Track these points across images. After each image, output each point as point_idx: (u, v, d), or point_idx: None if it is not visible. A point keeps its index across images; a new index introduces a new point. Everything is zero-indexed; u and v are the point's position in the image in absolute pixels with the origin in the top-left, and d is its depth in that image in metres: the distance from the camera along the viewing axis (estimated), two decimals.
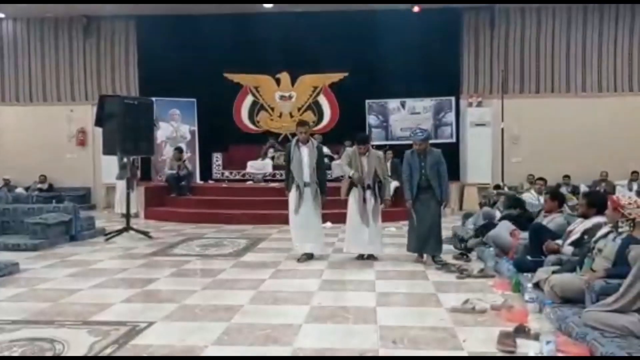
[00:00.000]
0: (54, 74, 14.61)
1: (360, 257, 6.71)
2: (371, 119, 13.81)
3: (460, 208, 12.68)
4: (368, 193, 6.54)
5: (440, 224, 6.57)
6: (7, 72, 14.70)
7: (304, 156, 6.54)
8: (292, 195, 6.60)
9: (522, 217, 6.77)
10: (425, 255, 6.52)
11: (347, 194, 6.63)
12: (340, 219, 9.90)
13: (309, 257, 6.65)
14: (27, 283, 5.56)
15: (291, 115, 14.15)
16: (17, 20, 14.58)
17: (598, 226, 4.76)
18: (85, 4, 13.02)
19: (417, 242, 6.51)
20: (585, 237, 4.88)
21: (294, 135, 13.72)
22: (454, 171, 13.42)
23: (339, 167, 6.68)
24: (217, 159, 13.51)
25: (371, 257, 6.69)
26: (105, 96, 9.30)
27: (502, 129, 12.90)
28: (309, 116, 14.07)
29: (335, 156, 12.84)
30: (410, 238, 6.59)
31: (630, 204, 4.17)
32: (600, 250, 4.22)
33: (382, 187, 6.58)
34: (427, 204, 6.40)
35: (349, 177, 6.57)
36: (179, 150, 12.45)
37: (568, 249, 5.03)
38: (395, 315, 4.38)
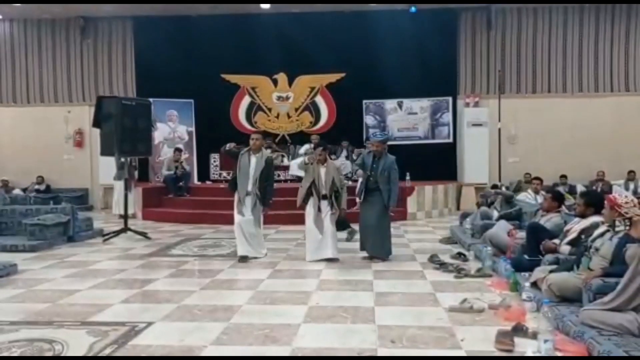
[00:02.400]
0: (51, 75, 14.58)
1: (321, 260, 6.68)
2: (368, 119, 13.83)
3: (458, 208, 12.70)
4: (324, 203, 6.63)
5: (385, 228, 6.69)
6: (4, 73, 14.66)
7: (252, 167, 6.65)
8: (236, 200, 6.74)
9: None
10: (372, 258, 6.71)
11: (304, 202, 6.70)
12: None
13: (244, 259, 6.68)
14: (26, 284, 5.56)
15: (289, 116, 14.16)
16: (14, 22, 14.54)
17: (595, 225, 4.78)
18: (82, 5, 12.98)
19: (364, 243, 6.73)
20: (583, 236, 4.90)
21: (291, 135, 13.96)
22: (451, 171, 13.49)
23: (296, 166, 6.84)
24: (215, 159, 13.49)
25: (333, 260, 6.71)
26: (102, 97, 9.29)
27: (499, 129, 12.92)
28: (307, 117, 14.08)
29: (333, 157, 12.85)
30: (360, 236, 6.81)
31: (627, 202, 4.20)
32: (597, 250, 4.25)
33: (338, 197, 6.67)
34: (373, 206, 6.63)
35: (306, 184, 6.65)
36: (178, 150, 12.46)
37: (565, 248, 5.05)
38: (393, 314, 4.40)
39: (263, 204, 6.76)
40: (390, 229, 6.83)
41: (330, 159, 7.00)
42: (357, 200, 6.72)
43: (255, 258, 6.77)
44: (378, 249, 6.67)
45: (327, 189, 6.62)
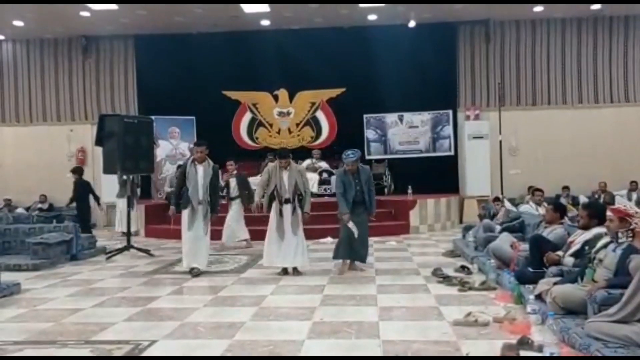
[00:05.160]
0: (54, 94, 14.69)
1: (284, 271, 6.76)
2: (369, 134, 13.88)
3: (461, 221, 12.67)
4: (288, 207, 6.66)
5: (367, 235, 7.01)
6: (7, 93, 14.79)
7: (200, 176, 6.82)
8: (185, 213, 6.88)
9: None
10: (355, 263, 6.88)
11: (268, 208, 6.76)
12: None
13: (197, 272, 6.87)
14: (29, 303, 5.55)
15: (290, 131, 14.22)
16: (17, 42, 14.69)
17: (598, 237, 4.77)
18: (83, 24, 13.12)
19: (349, 250, 6.81)
20: (586, 247, 4.88)
21: (292, 151, 13.95)
22: (453, 184, 13.48)
23: (258, 185, 6.96)
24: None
25: (296, 271, 6.76)
26: (105, 115, 9.35)
27: (500, 141, 12.96)
28: (308, 132, 14.14)
29: (334, 171, 12.86)
30: (342, 246, 6.86)
31: (637, 213, 4.19)
32: (600, 261, 4.23)
33: (302, 200, 6.73)
34: (360, 216, 6.82)
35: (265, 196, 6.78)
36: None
37: (569, 260, 5.03)
38: (397, 329, 4.37)
39: (212, 211, 6.99)
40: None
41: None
42: (345, 216, 6.72)
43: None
44: (364, 254, 6.92)
45: (290, 193, 6.65)
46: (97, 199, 10.71)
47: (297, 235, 6.70)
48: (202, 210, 6.89)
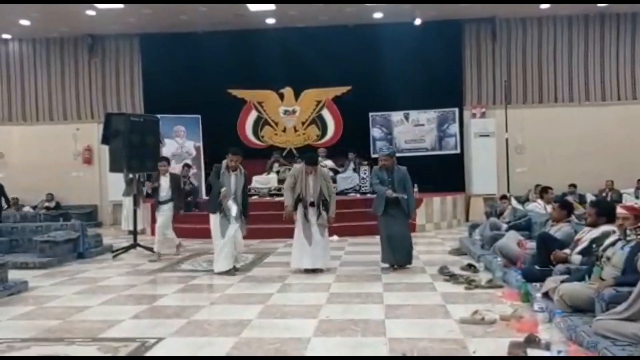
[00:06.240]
0: (60, 93, 14.75)
1: (307, 271, 6.73)
2: (375, 132, 13.86)
3: (467, 219, 12.64)
4: (311, 211, 6.67)
5: (410, 237, 6.89)
6: (14, 92, 14.86)
7: (232, 183, 6.78)
8: (216, 219, 6.80)
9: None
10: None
11: (294, 209, 6.73)
12: (347, 232, 9.97)
13: (235, 270, 6.83)
14: (36, 301, 5.57)
15: (295, 130, 14.22)
16: (23, 41, 14.76)
17: (606, 234, 4.75)
18: (89, 24, 13.16)
19: (390, 255, 6.74)
20: (594, 245, 4.86)
21: (298, 149, 13.97)
22: (459, 182, 13.45)
23: (286, 190, 6.90)
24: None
25: (320, 271, 6.75)
26: (111, 114, 9.37)
27: (507, 139, 12.91)
28: (313, 130, 14.14)
29: (340, 169, 12.87)
30: (384, 249, 6.81)
31: None
32: (608, 259, 4.21)
33: (327, 205, 6.72)
34: (396, 218, 6.73)
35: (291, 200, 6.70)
36: (187, 166, 12.53)
37: (576, 258, 5.01)
38: (404, 327, 4.36)
39: (246, 216, 6.93)
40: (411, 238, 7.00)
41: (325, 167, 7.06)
42: (388, 192, 6.67)
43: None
44: (408, 257, 6.82)
45: (315, 197, 6.66)
46: (7, 201, 10.92)
47: (324, 237, 6.75)
48: (235, 216, 6.80)
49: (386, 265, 6.80)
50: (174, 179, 8.63)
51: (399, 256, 6.76)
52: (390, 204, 6.69)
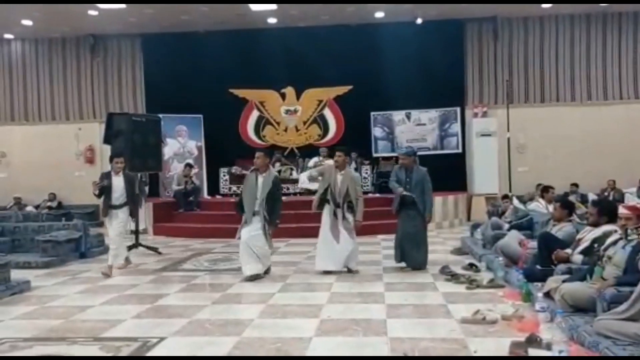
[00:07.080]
0: (62, 93, 14.77)
1: (331, 273, 6.54)
2: (377, 131, 13.85)
3: (468, 219, 12.63)
4: (338, 211, 6.55)
5: (425, 239, 6.79)
6: (16, 92, 14.88)
7: (259, 186, 6.37)
8: (242, 222, 6.44)
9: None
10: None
11: (319, 207, 6.63)
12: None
13: (255, 277, 6.36)
14: (39, 301, 5.59)
15: (297, 129, 14.22)
16: (25, 41, 14.78)
17: (608, 234, 4.74)
18: (91, 24, 13.18)
19: (400, 253, 6.72)
20: (595, 245, 4.85)
21: (300, 149, 13.99)
22: (461, 182, 13.43)
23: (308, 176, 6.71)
24: (225, 174, 13.55)
25: (350, 271, 6.63)
26: (113, 114, 9.39)
27: (508, 139, 12.89)
28: (315, 130, 14.14)
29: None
30: (394, 249, 6.80)
31: None
32: (610, 258, 4.21)
33: (352, 208, 6.55)
34: (411, 218, 6.69)
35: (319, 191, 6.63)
36: (189, 166, 12.54)
37: (578, 258, 5.01)
38: (405, 327, 4.37)
39: (270, 224, 6.41)
40: (427, 240, 6.93)
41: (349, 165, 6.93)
42: (399, 190, 6.67)
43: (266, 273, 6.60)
44: (422, 261, 6.73)
45: (340, 198, 6.54)
46: None
47: (353, 239, 6.59)
48: (259, 221, 6.36)
49: (400, 265, 6.75)
50: (130, 178, 7.36)
51: (407, 258, 6.70)
52: (407, 204, 6.65)
